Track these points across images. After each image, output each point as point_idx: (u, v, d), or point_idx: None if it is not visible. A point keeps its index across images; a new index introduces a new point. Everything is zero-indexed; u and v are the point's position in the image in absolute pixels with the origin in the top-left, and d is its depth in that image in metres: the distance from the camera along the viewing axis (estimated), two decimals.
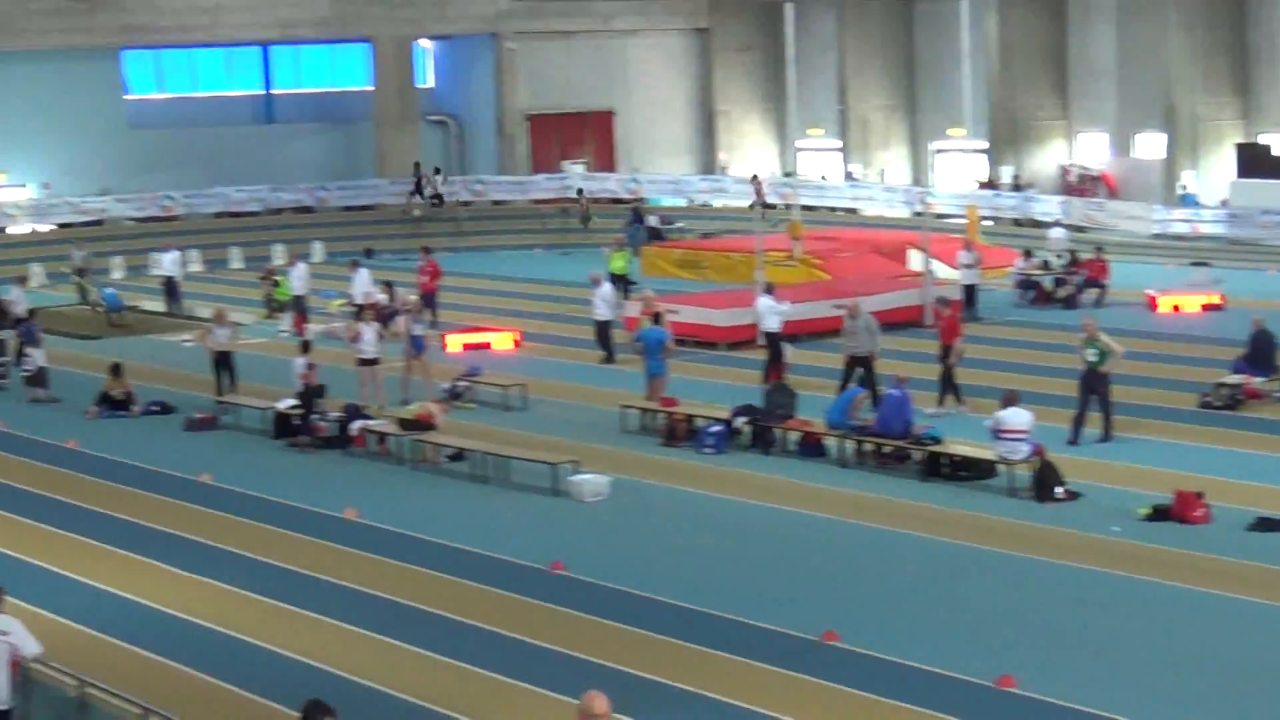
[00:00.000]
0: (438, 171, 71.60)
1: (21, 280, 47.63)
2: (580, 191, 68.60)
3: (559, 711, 17.55)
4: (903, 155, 73.19)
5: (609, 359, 39.01)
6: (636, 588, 22.67)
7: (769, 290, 37.92)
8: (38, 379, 37.85)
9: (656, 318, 36.18)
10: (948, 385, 33.28)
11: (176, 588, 23.57)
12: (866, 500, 27.17)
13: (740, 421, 31.15)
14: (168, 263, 51.32)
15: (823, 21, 73.15)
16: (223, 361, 36.02)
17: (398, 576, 23.77)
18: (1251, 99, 62.29)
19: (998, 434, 27.44)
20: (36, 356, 37.88)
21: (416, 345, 35.59)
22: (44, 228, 66.05)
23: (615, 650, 20.24)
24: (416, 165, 69.90)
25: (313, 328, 44.09)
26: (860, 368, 33.16)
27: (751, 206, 62.77)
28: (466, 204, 69.63)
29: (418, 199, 70.22)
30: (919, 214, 56.46)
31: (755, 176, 67.76)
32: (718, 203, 71.00)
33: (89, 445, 33.04)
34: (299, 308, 46.10)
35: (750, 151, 75.84)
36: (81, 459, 32.02)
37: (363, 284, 44.16)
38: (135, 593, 23.31)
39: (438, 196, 71.00)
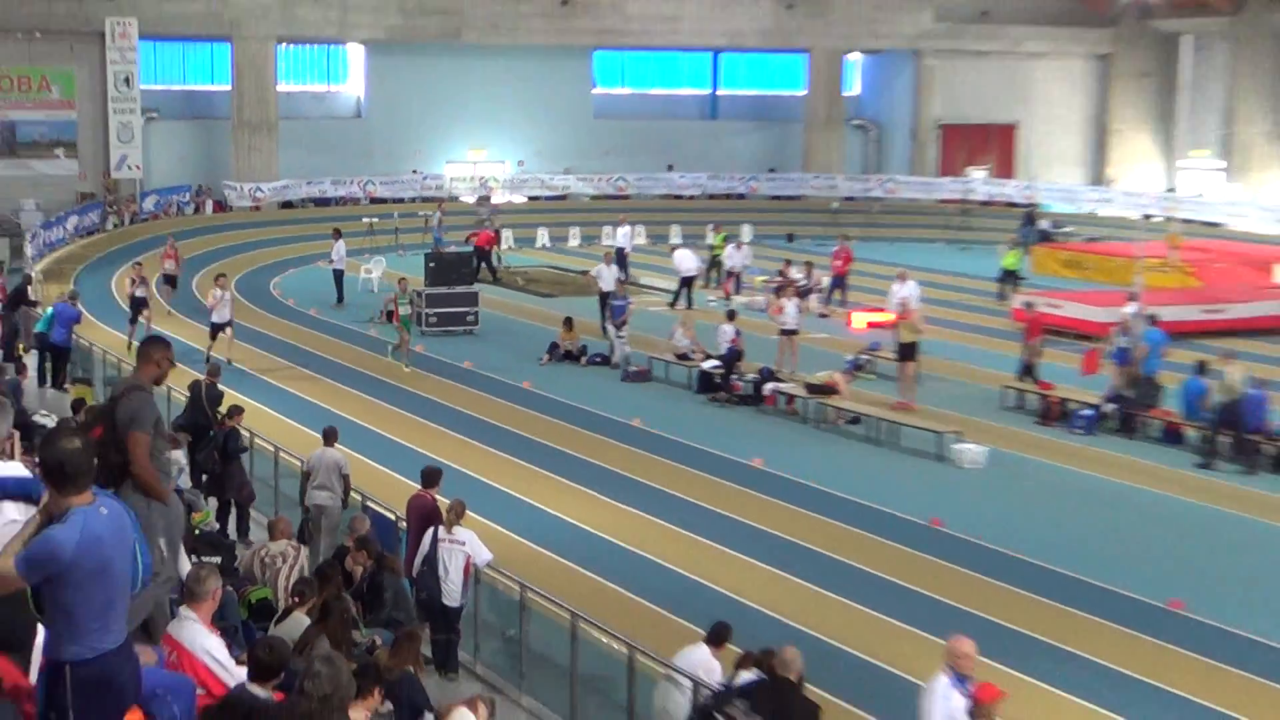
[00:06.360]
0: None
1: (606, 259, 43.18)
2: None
3: (925, 647, 17.54)
4: None
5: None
6: (1005, 546, 22.47)
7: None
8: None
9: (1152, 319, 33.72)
10: None
11: (605, 513, 24.19)
12: (1219, 487, 26.40)
13: (1110, 407, 30.54)
14: (620, 236, 52.16)
15: (1215, 52, 70.74)
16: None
17: (794, 519, 23.98)
18: None
19: None
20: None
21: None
22: (518, 199, 67.84)
23: (982, 600, 20.14)
24: None
25: (738, 299, 44.63)
26: None
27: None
28: (879, 200, 69.09)
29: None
30: None
31: None
32: (1103, 212, 69.25)
33: (541, 387, 33.95)
34: (734, 279, 46.86)
35: (1137, 168, 73.81)
36: (536, 399, 32.91)
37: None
38: (571, 515, 24.01)
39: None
